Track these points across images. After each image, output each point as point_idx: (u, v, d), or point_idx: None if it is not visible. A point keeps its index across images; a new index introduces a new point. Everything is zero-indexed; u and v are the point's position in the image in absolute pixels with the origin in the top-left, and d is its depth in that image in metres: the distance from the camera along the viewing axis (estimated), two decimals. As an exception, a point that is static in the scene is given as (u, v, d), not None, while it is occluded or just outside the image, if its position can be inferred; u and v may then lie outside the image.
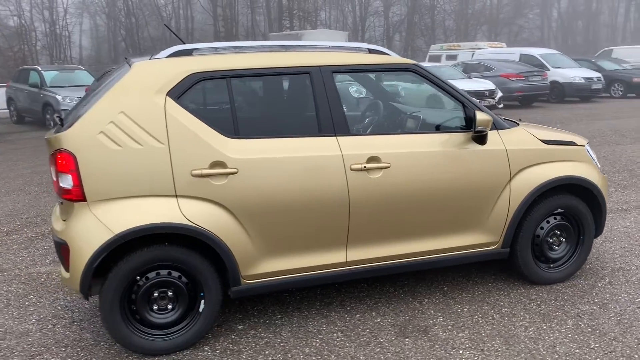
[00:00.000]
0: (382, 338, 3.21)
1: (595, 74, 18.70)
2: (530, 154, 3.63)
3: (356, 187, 3.24)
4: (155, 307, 3.08)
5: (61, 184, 2.96)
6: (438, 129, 3.67)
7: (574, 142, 3.83)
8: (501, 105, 15.40)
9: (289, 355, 3.07)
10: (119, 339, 3.04)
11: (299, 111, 3.44)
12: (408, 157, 3.35)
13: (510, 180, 3.58)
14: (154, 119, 2.99)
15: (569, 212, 3.80)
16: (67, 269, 3.02)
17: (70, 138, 2.92)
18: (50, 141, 3.07)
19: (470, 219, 3.55)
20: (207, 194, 3.03)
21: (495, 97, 14.97)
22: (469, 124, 3.53)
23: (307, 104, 3.35)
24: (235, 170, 3.05)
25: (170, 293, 3.09)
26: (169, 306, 3.11)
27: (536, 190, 3.61)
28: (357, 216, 3.28)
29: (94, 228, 2.90)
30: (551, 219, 3.79)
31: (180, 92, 3.06)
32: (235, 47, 3.42)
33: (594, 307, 3.51)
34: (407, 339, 3.19)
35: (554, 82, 18.03)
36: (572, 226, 3.86)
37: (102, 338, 3.32)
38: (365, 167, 3.25)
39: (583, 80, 18.19)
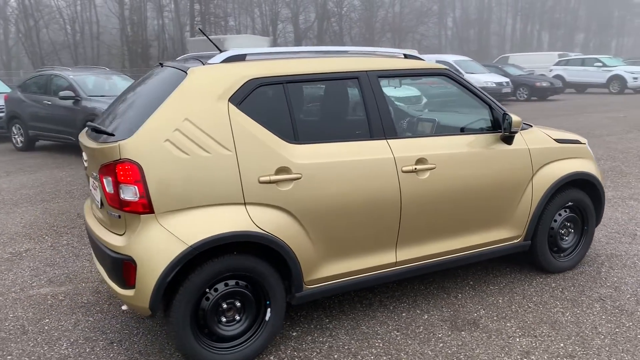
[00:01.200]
0: (439, 333, 3.33)
1: (504, 79, 20.16)
2: (548, 152, 3.92)
3: (407, 188, 3.34)
4: (223, 319, 2.99)
5: (122, 196, 2.79)
6: (462, 130, 3.86)
7: (578, 141, 4.19)
8: (426, 110, 16.13)
9: (359, 357, 3.10)
10: (190, 356, 2.91)
11: (351, 115, 3.48)
12: (450, 158, 3.50)
13: (532, 177, 3.84)
14: (220, 126, 2.91)
15: (577, 204, 4.14)
16: (128, 286, 2.84)
17: (134, 147, 2.76)
18: (102, 151, 2.88)
19: (500, 215, 3.77)
20: (274, 200, 2.99)
21: (421, 103, 15.66)
22: (496, 125, 3.75)
23: (357, 108, 3.40)
24: (299, 175, 3.03)
25: (238, 303, 3.01)
26: (237, 317, 3.03)
27: (554, 186, 3.90)
28: (407, 217, 3.38)
29: (165, 241, 2.77)
30: (562, 212, 4.11)
31: (242, 98, 3.00)
32: (283, 53, 3.40)
33: (610, 290, 3.85)
34: (463, 332, 3.33)
35: (469, 87, 19.13)
36: (579, 218, 4.21)
37: (154, 357, 3.15)
38: (415, 168, 3.36)
39: (494, 85, 19.53)
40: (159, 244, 2.77)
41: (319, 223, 3.12)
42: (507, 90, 19.83)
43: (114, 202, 2.86)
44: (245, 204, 2.93)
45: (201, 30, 3.76)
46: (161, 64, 3.46)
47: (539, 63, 29.00)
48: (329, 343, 3.25)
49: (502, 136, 3.72)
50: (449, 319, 3.50)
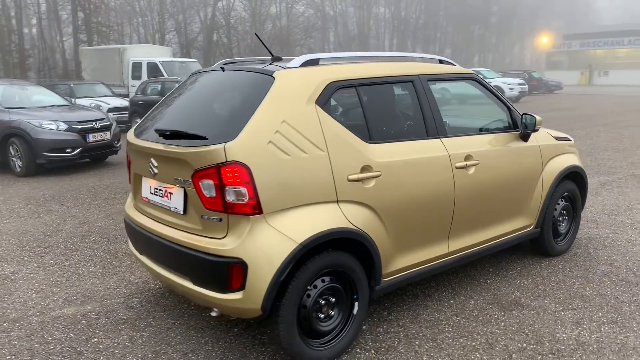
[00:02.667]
0: (494, 314, 3.63)
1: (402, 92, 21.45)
2: (552, 149, 4.42)
3: (459, 182, 3.62)
4: (321, 315, 3.05)
5: (228, 199, 2.77)
6: (481, 130, 4.23)
7: (568, 138, 4.75)
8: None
9: (438, 340, 3.30)
10: (297, 356, 2.94)
11: (409, 116, 3.68)
12: (489, 154, 3.85)
13: (542, 171, 4.31)
14: (312, 127, 2.99)
15: (570, 194, 4.69)
16: (230, 290, 2.80)
17: (241, 149, 2.76)
18: (198, 155, 2.82)
19: (521, 205, 4.19)
20: (360, 197, 3.11)
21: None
22: (515, 124, 4.16)
23: (414, 109, 3.61)
24: (379, 173, 3.19)
25: (332, 299, 3.08)
26: (331, 312, 3.09)
27: (558, 177, 4.41)
28: (458, 209, 3.66)
29: (276, 240, 2.79)
30: (560, 201, 4.64)
31: (325, 101, 3.10)
32: (347, 58, 3.53)
33: (608, 267, 4.42)
34: (513, 312, 3.66)
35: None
36: (570, 206, 4.76)
37: (243, 362, 3.11)
38: (466, 164, 3.65)
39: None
40: (270, 244, 2.78)
41: (394, 217, 3.29)
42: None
43: (215, 206, 2.82)
44: (338, 201, 3.03)
45: (257, 35, 3.75)
46: (222, 68, 3.43)
47: (424, 75, 31.00)
48: (403, 332, 3.42)
49: (521, 134, 4.14)
50: (494, 302, 3.82)
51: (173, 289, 3.36)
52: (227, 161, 2.75)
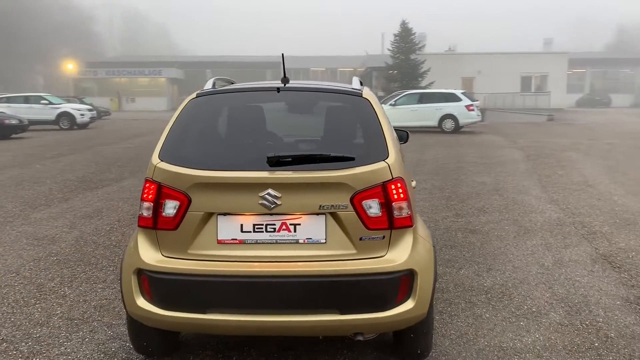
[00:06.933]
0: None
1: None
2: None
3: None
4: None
5: (395, 215, 2.88)
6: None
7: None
8: None
9: (475, 305, 4.05)
10: (430, 349, 3.28)
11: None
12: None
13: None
14: (396, 141, 3.39)
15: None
16: (396, 303, 2.85)
17: (398, 165, 2.95)
18: (361, 176, 2.84)
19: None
20: (415, 199, 3.67)
21: None
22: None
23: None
24: (414, 179, 3.81)
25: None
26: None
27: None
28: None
29: (425, 245, 3.07)
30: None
31: (384, 117, 3.52)
32: None
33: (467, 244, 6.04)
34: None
35: None
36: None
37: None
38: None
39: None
40: (424, 249, 3.03)
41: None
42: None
43: (381, 224, 2.87)
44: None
45: (282, 56, 3.42)
46: (278, 89, 3.24)
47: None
48: (445, 313, 3.99)
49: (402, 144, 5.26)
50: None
51: (293, 332, 3.00)
52: (393, 178, 2.87)
